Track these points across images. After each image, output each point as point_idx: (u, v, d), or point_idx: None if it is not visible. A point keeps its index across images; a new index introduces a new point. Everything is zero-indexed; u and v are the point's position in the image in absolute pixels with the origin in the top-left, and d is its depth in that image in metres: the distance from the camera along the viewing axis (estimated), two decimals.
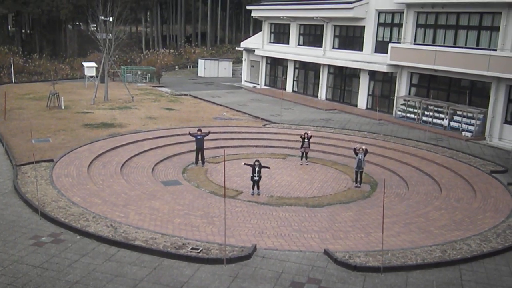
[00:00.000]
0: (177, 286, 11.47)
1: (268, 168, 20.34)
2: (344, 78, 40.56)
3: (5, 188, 17.69)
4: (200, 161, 22.85)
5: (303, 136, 23.55)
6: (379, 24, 36.61)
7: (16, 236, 13.81)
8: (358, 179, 20.75)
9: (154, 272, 12.07)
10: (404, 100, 33.97)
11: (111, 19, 37.76)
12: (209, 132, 23.62)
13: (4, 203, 16.30)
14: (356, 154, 20.60)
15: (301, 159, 23.98)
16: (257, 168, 18.79)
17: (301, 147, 23.68)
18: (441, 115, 31.38)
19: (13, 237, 13.74)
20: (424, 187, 20.57)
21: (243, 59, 54.37)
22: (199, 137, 22.54)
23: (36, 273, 11.78)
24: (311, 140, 23.78)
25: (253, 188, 19.09)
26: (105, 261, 12.53)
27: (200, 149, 22.72)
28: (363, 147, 21.07)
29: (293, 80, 46.09)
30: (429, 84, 33.13)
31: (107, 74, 39.57)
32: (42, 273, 11.81)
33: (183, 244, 13.45)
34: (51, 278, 11.60)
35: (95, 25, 43.98)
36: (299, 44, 45.21)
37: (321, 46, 41.89)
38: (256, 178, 18.88)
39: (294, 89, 46.01)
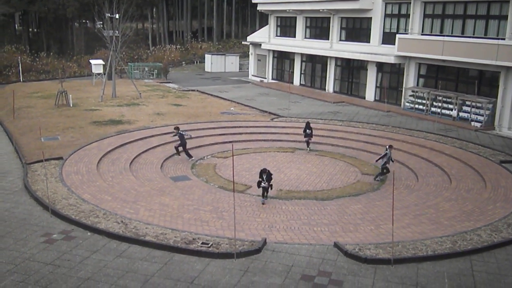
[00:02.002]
0: (188, 281, 11.51)
1: (271, 179, 17.72)
2: (352, 70, 40.39)
3: (15, 187, 17.82)
4: (183, 154, 22.80)
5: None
6: (386, 15, 36.38)
7: (28, 233, 13.92)
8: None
9: (165, 267, 12.12)
10: (413, 91, 33.79)
11: (117, 16, 37.79)
12: (191, 136, 23.51)
13: (15, 201, 16.42)
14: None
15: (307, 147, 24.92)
16: (265, 176, 17.28)
17: (304, 137, 24.75)
18: (450, 106, 31.20)
19: (24, 235, 13.84)
20: (433, 178, 20.48)
21: (249, 53, 54.28)
22: (181, 134, 22.50)
23: (48, 270, 11.87)
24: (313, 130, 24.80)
25: (263, 196, 17.53)
26: (116, 257, 12.60)
27: (184, 144, 22.61)
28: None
29: (300, 73, 45.96)
30: (437, 75, 32.93)
31: (115, 71, 39.65)
32: (53, 270, 11.90)
33: (193, 239, 13.49)
34: (62, 275, 11.69)
35: (101, 22, 44.01)
36: (305, 37, 45.05)
37: (328, 39, 41.72)
38: (264, 185, 17.32)
39: (301, 83, 45.90)
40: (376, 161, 20.77)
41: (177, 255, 12.71)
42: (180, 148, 22.76)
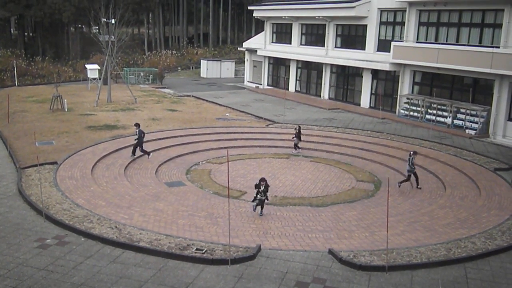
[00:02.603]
0: (182, 287, 11.47)
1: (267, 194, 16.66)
2: (347, 77, 40.51)
3: (9, 191, 17.74)
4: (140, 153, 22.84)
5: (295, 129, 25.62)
6: (381, 23, 36.55)
7: (21, 238, 13.84)
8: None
9: (159, 273, 12.08)
10: (407, 98, 33.91)
11: (113, 21, 37.80)
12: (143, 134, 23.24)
13: (8, 206, 16.33)
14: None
15: (295, 150, 25.52)
16: (262, 188, 16.19)
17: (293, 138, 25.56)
18: (445, 113, 31.31)
19: (17, 239, 13.76)
20: (428, 185, 20.53)
21: (245, 59, 54.37)
22: (141, 131, 22.55)
23: (41, 276, 11.80)
24: (301, 133, 25.67)
25: (261, 209, 16.51)
26: (109, 263, 12.54)
27: (141, 143, 22.65)
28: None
29: (296, 79, 46.07)
30: (432, 82, 33.06)
31: (110, 76, 39.62)
32: (47, 275, 11.83)
33: (188, 245, 13.45)
34: (56, 280, 11.62)
35: (97, 27, 44.00)
36: (301, 44, 45.18)
37: (323, 46, 41.86)
38: (263, 197, 16.26)
39: (296, 89, 45.98)
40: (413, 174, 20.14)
41: (171, 261, 12.66)
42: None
